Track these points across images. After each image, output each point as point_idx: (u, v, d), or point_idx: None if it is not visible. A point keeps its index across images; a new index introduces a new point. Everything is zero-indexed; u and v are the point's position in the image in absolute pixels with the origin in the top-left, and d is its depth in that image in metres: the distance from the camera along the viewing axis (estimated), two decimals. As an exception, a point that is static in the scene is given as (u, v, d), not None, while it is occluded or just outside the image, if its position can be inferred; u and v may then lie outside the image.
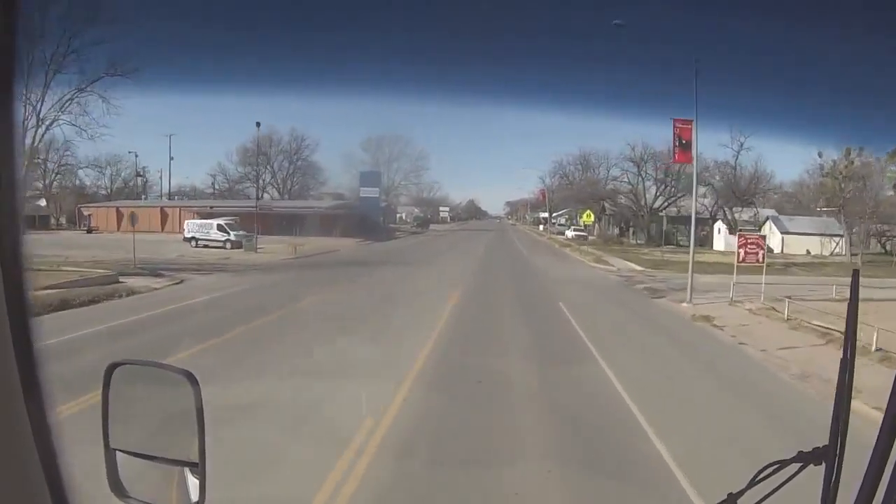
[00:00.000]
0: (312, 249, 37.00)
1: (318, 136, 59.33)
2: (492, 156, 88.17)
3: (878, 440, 1.58)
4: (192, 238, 38.97)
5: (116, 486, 1.86)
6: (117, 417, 1.89)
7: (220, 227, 39.40)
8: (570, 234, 54.28)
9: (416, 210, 67.09)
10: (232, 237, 38.34)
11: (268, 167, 54.14)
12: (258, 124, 44.32)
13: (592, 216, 47.63)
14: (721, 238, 45.17)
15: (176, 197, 54.30)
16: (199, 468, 1.86)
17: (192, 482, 1.90)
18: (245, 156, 53.20)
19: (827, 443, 1.71)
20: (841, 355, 1.72)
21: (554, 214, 63.85)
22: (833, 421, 1.71)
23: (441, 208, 74.44)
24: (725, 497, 1.79)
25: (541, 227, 69.83)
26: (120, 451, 1.86)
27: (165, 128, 54.10)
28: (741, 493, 1.77)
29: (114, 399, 1.88)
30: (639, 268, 32.91)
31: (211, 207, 45.56)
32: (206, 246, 37.61)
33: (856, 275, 1.77)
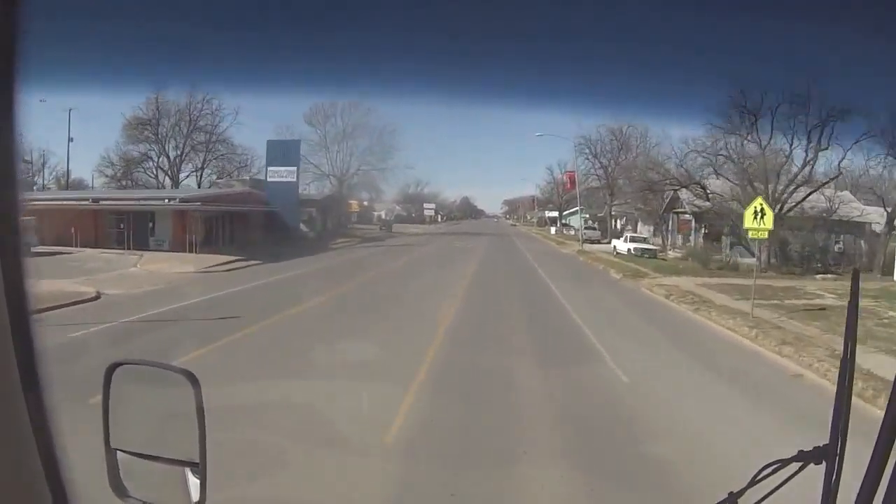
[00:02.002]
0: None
1: (239, 104, 38.07)
2: (488, 154, 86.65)
3: (878, 440, 1.58)
4: None
5: (117, 487, 1.87)
6: (118, 417, 1.89)
7: None
8: (622, 245, 34.00)
9: (397, 208, 54.99)
10: None
11: (158, 144, 38.47)
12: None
13: (770, 214, 18.32)
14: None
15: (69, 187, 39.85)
16: (199, 468, 1.86)
17: (193, 482, 1.90)
18: (137, 130, 38.78)
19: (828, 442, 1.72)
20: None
21: (563, 214, 50.76)
22: (833, 420, 1.72)
23: (426, 205, 59.72)
24: (726, 496, 1.79)
25: (552, 229, 52.88)
26: (121, 451, 1.87)
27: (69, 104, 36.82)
28: (742, 492, 1.78)
29: (114, 399, 1.88)
30: None
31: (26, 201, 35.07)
32: None
33: (856, 274, 1.81)
